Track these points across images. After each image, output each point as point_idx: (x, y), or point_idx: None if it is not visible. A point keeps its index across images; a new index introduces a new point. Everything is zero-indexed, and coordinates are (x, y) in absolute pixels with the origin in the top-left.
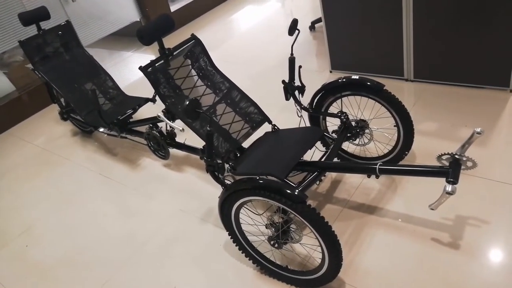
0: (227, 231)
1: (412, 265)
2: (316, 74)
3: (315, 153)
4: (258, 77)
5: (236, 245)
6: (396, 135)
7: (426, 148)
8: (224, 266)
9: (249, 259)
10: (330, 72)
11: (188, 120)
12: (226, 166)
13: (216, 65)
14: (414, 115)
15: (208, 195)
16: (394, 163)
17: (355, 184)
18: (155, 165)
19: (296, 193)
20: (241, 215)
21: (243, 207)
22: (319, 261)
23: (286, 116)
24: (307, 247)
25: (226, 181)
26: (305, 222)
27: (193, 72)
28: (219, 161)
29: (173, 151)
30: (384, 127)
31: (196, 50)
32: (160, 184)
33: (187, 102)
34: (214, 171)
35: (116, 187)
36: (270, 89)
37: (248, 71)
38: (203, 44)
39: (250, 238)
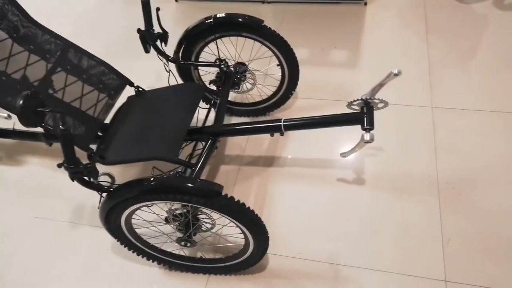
0: (118, 241)
1: (327, 210)
2: (160, 5)
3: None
4: (92, 21)
5: (133, 252)
6: (281, 74)
7: (306, 81)
8: (121, 272)
9: (153, 261)
10: (176, 1)
11: (29, 126)
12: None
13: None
14: None
15: (68, 189)
16: (280, 105)
17: (244, 136)
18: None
19: (208, 186)
20: (133, 220)
21: (134, 214)
22: (239, 245)
23: (149, 71)
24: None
25: (102, 179)
26: (225, 216)
27: (3, 34)
28: (87, 162)
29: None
30: (266, 68)
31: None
32: (1, 186)
33: (21, 102)
34: (83, 177)
35: None
36: (116, 37)
37: (71, 11)
38: None
39: (149, 240)
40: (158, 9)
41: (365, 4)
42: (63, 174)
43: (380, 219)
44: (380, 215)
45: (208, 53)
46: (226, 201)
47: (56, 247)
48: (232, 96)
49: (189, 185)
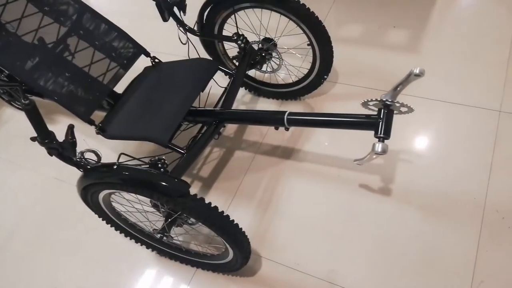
0: (102, 220)
1: (340, 221)
2: None
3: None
4: None
5: (120, 232)
6: (312, 55)
7: (351, 63)
8: (116, 250)
9: (141, 245)
10: None
11: None
12: (93, 127)
13: None
14: (334, 18)
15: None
16: (312, 90)
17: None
18: (19, 117)
19: (172, 185)
20: (115, 200)
21: (113, 195)
22: (220, 248)
23: (170, 41)
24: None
25: (88, 154)
26: (193, 219)
27: None
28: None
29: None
30: (296, 47)
31: None
32: (28, 143)
33: None
34: (61, 153)
35: None
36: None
37: None
38: None
39: (136, 222)
40: None
41: None
42: (87, 136)
43: (399, 241)
44: (401, 237)
45: (245, 26)
46: (191, 203)
47: (66, 210)
48: (261, 75)
49: (149, 180)
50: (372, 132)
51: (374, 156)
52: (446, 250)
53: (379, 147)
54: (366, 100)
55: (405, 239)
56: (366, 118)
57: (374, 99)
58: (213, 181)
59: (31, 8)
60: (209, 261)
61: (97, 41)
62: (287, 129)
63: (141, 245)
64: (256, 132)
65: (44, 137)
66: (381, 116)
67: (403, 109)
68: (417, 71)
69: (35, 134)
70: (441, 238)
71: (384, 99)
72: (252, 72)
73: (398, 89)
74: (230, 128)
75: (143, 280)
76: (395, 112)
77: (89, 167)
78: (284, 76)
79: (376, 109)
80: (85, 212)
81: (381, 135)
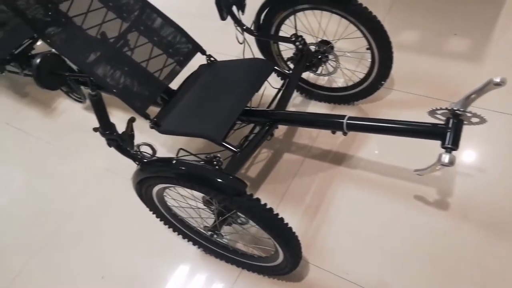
0: (153, 214)
1: (392, 232)
2: None
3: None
4: None
5: (168, 227)
6: (370, 60)
7: (407, 70)
8: (162, 244)
9: (188, 241)
10: None
11: (45, 88)
12: (148, 121)
13: None
14: (390, 23)
15: None
16: (367, 95)
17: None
18: (76, 109)
19: (228, 183)
20: (168, 194)
21: (168, 189)
22: (269, 250)
23: (226, 41)
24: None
25: (144, 147)
26: (247, 218)
27: None
28: (128, 130)
29: None
30: (353, 51)
31: None
32: (82, 134)
33: (38, 61)
34: (120, 145)
35: (27, 141)
36: (197, 5)
37: None
38: None
39: (186, 218)
40: None
41: None
42: (138, 132)
43: (455, 259)
44: (457, 255)
45: (302, 27)
46: (248, 203)
47: (112, 202)
48: (314, 77)
49: (207, 177)
50: (427, 142)
51: (438, 167)
52: (508, 274)
53: (446, 158)
54: (434, 109)
55: (462, 258)
56: (433, 127)
57: (443, 108)
58: (261, 182)
59: (96, 3)
60: (257, 262)
61: (156, 37)
62: (345, 133)
63: (188, 241)
64: (306, 135)
65: (106, 128)
66: (450, 126)
67: (474, 119)
68: (498, 79)
69: (91, 125)
70: (502, 260)
71: (455, 108)
72: (305, 75)
73: (472, 97)
74: (280, 130)
75: (187, 276)
76: (464, 122)
77: (145, 160)
78: (339, 79)
79: (443, 118)
80: (134, 204)
81: (449, 146)
